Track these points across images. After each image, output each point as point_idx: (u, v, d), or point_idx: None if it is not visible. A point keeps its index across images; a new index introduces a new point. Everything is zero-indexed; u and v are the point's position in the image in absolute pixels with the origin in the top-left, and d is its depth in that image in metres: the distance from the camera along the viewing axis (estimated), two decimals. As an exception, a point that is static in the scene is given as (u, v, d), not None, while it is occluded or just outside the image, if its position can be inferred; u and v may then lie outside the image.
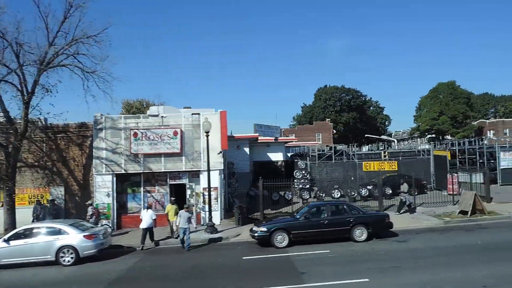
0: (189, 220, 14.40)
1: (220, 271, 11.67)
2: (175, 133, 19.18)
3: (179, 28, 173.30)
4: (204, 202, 19.13)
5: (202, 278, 11.05)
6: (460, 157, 31.78)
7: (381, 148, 37.09)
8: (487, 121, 66.11)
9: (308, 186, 25.48)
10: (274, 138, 31.04)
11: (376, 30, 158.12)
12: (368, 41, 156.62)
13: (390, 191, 24.35)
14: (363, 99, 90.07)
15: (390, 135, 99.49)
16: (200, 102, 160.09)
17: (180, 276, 11.45)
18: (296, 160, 28.43)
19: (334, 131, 69.89)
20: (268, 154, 31.41)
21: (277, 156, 31.27)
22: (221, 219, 19.47)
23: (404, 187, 19.07)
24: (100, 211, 18.84)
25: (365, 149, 50.01)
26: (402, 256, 12.03)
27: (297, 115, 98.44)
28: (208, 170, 17.23)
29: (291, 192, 23.21)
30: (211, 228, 16.85)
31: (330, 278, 10.01)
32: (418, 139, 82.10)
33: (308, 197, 23.84)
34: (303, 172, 26.16)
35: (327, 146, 33.82)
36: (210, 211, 17.27)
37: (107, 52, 25.61)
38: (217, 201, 19.38)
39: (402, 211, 19.60)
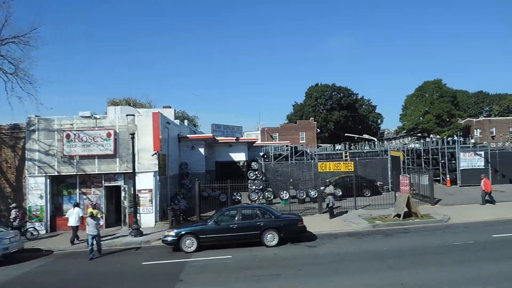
0: (96, 226, 14.17)
1: (107, 278, 11.51)
2: (109, 135, 18.99)
3: (174, 28, 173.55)
4: (139, 204, 19.00)
5: (82, 286, 10.88)
6: (424, 157, 31.24)
7: (360, 147, 36.62)
8: (474, 119, 65.25)
9: (261, 187, 25.19)
10: (235, 138, 30.72)
11: (374, 29, 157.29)
12: (364, 39, 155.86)
13: (340, 193, 24.00)
14: (354, 97, 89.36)
15: (382, 133, 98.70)
16: (191, 103, 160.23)
17: (64, 284, 11.26)
18: (254, 161, 28.15)
19: (318, 130, 69.18)
20: (230, 154, 31.15)
21: (239, 156, 31.00)
22: (155, 221, 19.29)
23: (330, 189, 18.67)
24: (33, 213, 18.82)
25: (353, 148, 49.49)
26: (298, 262, 11.74)
27: (291, 113, 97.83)
28: (134, 173, 17.04)
29: (240, 194, 22.98)
30: (136, 231, 16.62)
31: (201, 287, 9.84)
32: (406, 138, 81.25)
33: (255, 198, 23.55)
34: (257, 173, 25.87)
35: (286, 146, 33.33)
36: (135, 213, 17.08)
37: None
38: (151, 203, 19.23)
39: (325, 212, 19.46)
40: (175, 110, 45.32)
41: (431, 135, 61.24)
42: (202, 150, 26.83)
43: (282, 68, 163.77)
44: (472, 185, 27.19)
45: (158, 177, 19.46)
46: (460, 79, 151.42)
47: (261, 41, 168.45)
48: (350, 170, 26.46)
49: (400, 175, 24.33)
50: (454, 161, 27.84)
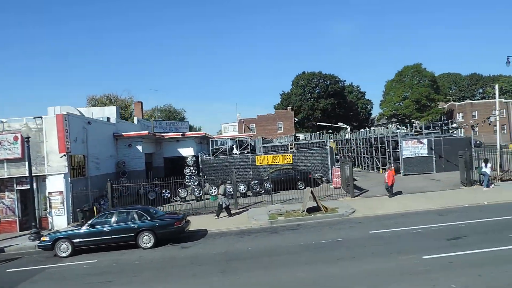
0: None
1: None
2: (15, 138, 18.86)
3: (156, 21, 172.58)
4: (50, 206, 19.03)
5: None
6: (375, 146, 30.57)
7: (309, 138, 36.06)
8: (457, 103, 63.75)
9: (196, 183, 24.96)
10: (181, 133, 30.45)
11: (371, 15, 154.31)
12: (363, 25, 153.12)
13: (272, 186, 23.61)
14: (341, 84, 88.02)
15: (373, 119, 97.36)
16: (181, 95, 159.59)
17: None
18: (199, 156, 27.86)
19: (296, 119, 68.47)
20: (178, 149, 30.92)
21: (187, 151, 30.73)
22: (68, 223, 19.19)
23: (222, 189, 18.14)
24: None
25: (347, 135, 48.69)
26: (148, 266, 11.55)
27: (278, 102, 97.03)
28: (30, 176, 16.99)
29: (169, 190, 22.81)
30: (35, 235, 16.55)
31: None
32: (391, 124, 79.93)
33: (185, 194, 23.35)
34: (192, 168, 25.63)
35: (231, 139, 32.88)
36: (35, 217, 17.02)
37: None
38: (63, 205, 19.15)
39: (241, 208, 19.11)
40: (142, 103, 45.40)
41: (413, 121, 60.18)
42: (140, 147, 26.62)
43: (274, 57, 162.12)
44: (416, 173, 26.72)
45: (69, 179, 19.32)
46: (453, 61, 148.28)
47: (250, 29, 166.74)
48: (288, 163, 26.20)
49: (333, 167, 24.02)
50: (398, 150, 27.20)
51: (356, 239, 12.45)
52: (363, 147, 33.30)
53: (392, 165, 26.25)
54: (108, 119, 26.99)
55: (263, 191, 23.55)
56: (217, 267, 10.69)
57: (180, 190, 23.37)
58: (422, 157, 26.57)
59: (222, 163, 26.27)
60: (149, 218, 14.12)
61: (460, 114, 61.62)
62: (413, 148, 26.48)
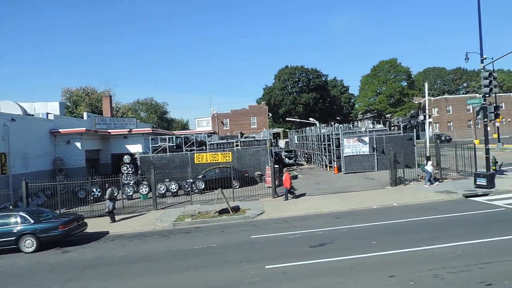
0: None
1: None
2: None
3: (136, 13, 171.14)
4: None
5: None
6: (323, 143, 30.23)
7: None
8: (432, 98, 63.21)
9: (133, 181, 24.66)
10: (128, 130, 30.06)
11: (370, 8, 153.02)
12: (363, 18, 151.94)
13: (203, 185, 23.34)
14: (324, 79, 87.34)
15: (356, 114, 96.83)
16: (162, 89, 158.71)
17: None
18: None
19: (270, 114, 67.94)
20: (126, 146, 30.57)
21: (136, 148, 30.38)
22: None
23: (109, 192, 17.54)
24: None
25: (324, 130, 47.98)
26: (9, 273, 11.25)
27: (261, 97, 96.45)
28: None
29: (98, 188, 22.47)
30: None
31: None
32: (367, 120, 79.50)
33: (131, 193, 23.02)
34: (128, 166, 25.29)
35: (168, 137, 32.40)
36: None
37: None
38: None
39: (160, 209, 18.76)
40: (111, 97, 44.82)
41: (388, 116, 59.77)
42: (78, 144, 26.27)
43: (260, 51, 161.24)
44: (357, 172, 26.43)
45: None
46: (440, 56, 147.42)
47: (241, 24, 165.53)
48: (228, 161, 25.87)
49: (266, 165, 23.69)
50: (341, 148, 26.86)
51: (229, 245, 12.14)
52: (316, 144, 32.98)
53: (335, 162, 25.97)
54: (47, 115, 26.54)
55: (196, 190, 23.25)
56: (68, 276, 10.38)
57: (126, 189, 23.03)
58: (363, 155, 26.24)
59: (161, 161, 25.92)
60: (32, 221, 13.79)
61: (435, 108, 61.14)
62: (355, 146, 26.13)
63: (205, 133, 38.91)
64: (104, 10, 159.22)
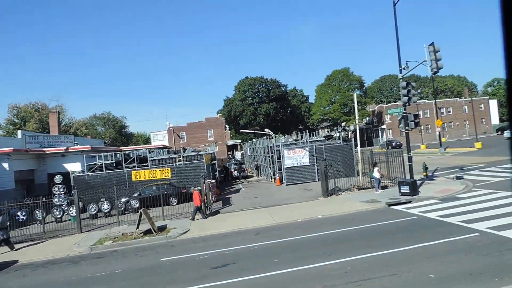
0: None
1: None
2: None
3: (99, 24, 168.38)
4: None
5: None
6: (268, 155, 30.18)
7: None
8: (385, 105, 65.21)
9: (65, 202, 23.47)
10: (65, 148, 28.82)
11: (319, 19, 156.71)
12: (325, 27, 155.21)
13: (138, 204, 22.55)
14: (284, 89, 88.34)
15: (313, 122, 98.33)
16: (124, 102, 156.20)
17: None
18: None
19: (227, 126, 67.84)
20: (64, 165, 29.25)
21: (74, 166, 29.11)
22: None
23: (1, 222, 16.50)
24: None
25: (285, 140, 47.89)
26: None
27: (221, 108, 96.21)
28: None
29: (24, 212, 21.19)
30: None
31: None
32: (326, 129, 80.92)
33: (60, 215, 21.87)
34: (59, 186, 24.10)
35: (106, 154, 31.46)
36: None
37: None
38: None
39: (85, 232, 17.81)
40: (59, 113, 42.99)
41: (343, 124, 60.83)
42: (6, 164, 24.82)
43: (222, 62, 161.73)
44: (299, 183, 26.45)
45: None
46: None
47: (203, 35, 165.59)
48: (167, 177, 25.20)
49: (205, 181, 23.16)
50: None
51: (133, 270, 11.56)
52: (264, 156, 32.89)
53: (278, 174, 25.81)
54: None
55: (130, 209, 22.45)
56: None
57: (37, 212, 21.78)
58: (304, 166, 26.32)
59: (97, 180, 24.90)
60: None
61: (388, 116, 62.99)
62: (295, 157, 26.18)
63: (157, 148, 38.07)
64: (54, 20, 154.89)
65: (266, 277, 9.31)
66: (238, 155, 57.13)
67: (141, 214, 16.41)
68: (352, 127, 62.14)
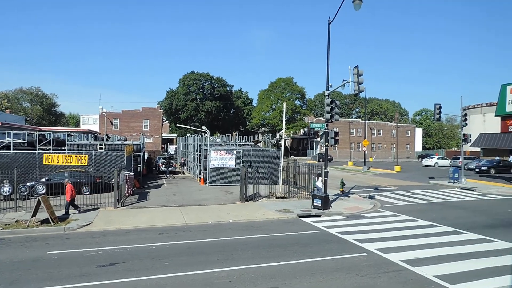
0: None
1: None
2: None
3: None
4: None
5: None
6: (196, 153, 29.73)
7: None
8: (322, 118, 67.84)
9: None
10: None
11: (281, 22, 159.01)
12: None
13: (44, 189, 20.94)
14: (229, 89, 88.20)
15: (252, 126, 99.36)
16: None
17: None
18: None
19: (164, 118, 66.27)
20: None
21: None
22: None
23: None
24: None
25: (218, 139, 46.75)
26: None
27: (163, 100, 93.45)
28: None
29: None
30: None
31: None
32: (265, 134, 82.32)
33: None
34: None
35: (17, 132, 29.27)
36: None
37: None
38: None
39: None
40: None
41: (281, 131, 61.92)
42: None
43: (167, 54, 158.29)
44: (223, 184, 26.32)
45: None
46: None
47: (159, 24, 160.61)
48: (83, 164, 23.70)
49: (124, 172, 22.18)
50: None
51: (12, 263, 10.54)
52: (193, 154, 32.38)
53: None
54: None
55: (35, 195, 20.72)
56: None
57: None
58: (230, 169, 26.27)
59: (2, 159, 22.70)
60: None
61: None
62: (221, 158, 26.03)
63: (83, 133, 35.81)
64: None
65: (148, 280, 8.95)
66: (172, 149, 55.70)
67: (39, 201, 15.17)
68: (284, 136, 63.63)
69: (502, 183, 30.14)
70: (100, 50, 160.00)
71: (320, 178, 20.72)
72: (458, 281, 8.98)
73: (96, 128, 53.51)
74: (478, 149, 51.57)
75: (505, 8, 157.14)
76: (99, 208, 18.56)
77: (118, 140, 30.83)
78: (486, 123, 55.41)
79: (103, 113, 55.98)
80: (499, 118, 43.97)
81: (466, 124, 30.26)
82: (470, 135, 32.03)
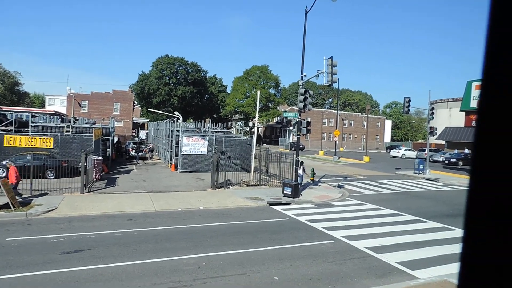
0: None
1: None
2: None
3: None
4: None
5: None
6: (168, 139, 29.32)
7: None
8: (295, 107, 68.49)
9: None
10: None
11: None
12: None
13: (4, 174, 20.04)
14: (203, 74, 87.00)
15: (226, 113, 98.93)
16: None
17: None
18: None
19: (136, 102, 64.91)
20: None
21: None
22: None
23: None
24: None
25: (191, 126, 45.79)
26: None
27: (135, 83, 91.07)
28: None
29: None
30: None
31: None
32: (239, 121, 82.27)
33: None
34: None
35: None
36: None
37: None
38: None
39: None
40: None
41: (254, 120, 61.87)
42: None
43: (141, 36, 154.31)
44: (194, 171, 26.12)
45: None
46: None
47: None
48: (48, 147, 22.83)
49: (93, 157, 21.60)
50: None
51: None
52: (164, 139, 31.89)
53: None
54: None
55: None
56: None
57: None
58: (201, 155, 26.08)
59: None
60: None
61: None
62: (193, 145, 25.77)
63: (49, 114, 34.37)
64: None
65: (115, 268, 8.81)
66: (143, 134, 54.64)
67: (4, 185, 14.52)
68: (257, 124, 63.73)
69: (463, 175, 31.54)
70: (69, 32, 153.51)
71: (302, 166, 21.17)
72: (419, 267, 9.37)
73: (63, 109, 51.52)
74: (443, 142, 53.59)
75: (475, 5, 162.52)
76: (64, 193, 17.99)
77: (86, 123, 29.87)
78: (451, 117, 57.55)
79: (71, 95, 53.91)
80: (464, 113, 45.76)
81: (433, 118, 31.31)
82: (436, 128, 33.18)
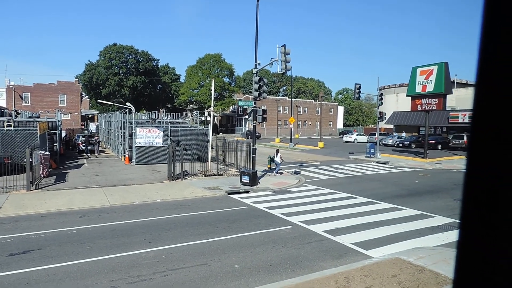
0: None
1: None
2: None
3: None
4: None
5: None
6: (121, 131, 28.33)
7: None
8: (250, 96, 68.82)
9: None
10: None
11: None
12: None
13: None
14: (155, 63, 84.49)
15: (180, 103, 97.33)
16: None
17: None
18: None
19: (84, 93, 62.06)
20: None
21: None
22: None
23: None
24: None
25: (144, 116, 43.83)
26: None
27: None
28: None
29: None
30: None
31: None
32: (194, 111, 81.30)
33: None
34: None
35: None
36: None
37: None
38: None
39: None
40: None
41: (210, 109, 61.20)
42: None
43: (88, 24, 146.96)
44: (150, 163, 25.52)
45: None
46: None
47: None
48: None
49: (38, 152, 20.33)
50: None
51: None
52: (117, 132, 30.76)
53: (128, 152, 24.20)
54: None
55: None
56: None
57: None
58: (157, 147, 25.49)
59: None
60: None
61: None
62: (148, 136, 25.09)
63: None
64: None
65: (69, 266, 8.45)
66: (93, 126, 52.27)
67: None
68: (212, 113, 63.37)
69: (411, 157, 33.41)
70: (10, 24, 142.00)
71: (279, 155, 21.66)
72: (372, 246, 9.86)
73: (2, 103, 47.95)
74: (391, 126, 56.27)
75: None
76: (9, 192, 16.89)
77: (29, 117, 27.99)
78: (399, 102, 60.46)
79: (11, 86, 50.14)
80: (410, 98, 48.26)
81: (382, 103, 32.71)
82: (385, 113, 34.76)
